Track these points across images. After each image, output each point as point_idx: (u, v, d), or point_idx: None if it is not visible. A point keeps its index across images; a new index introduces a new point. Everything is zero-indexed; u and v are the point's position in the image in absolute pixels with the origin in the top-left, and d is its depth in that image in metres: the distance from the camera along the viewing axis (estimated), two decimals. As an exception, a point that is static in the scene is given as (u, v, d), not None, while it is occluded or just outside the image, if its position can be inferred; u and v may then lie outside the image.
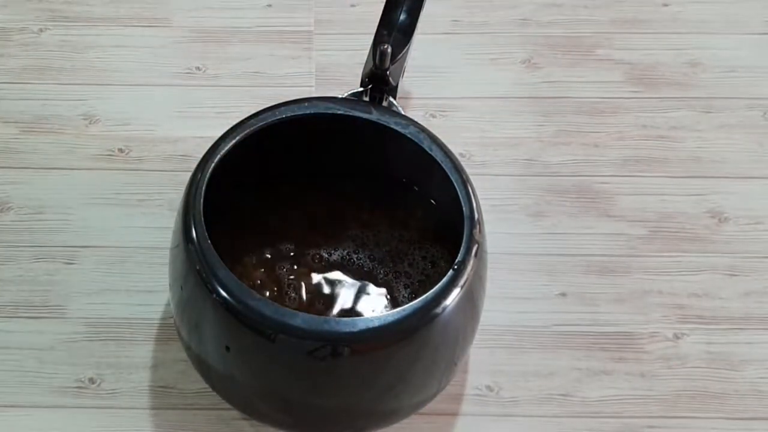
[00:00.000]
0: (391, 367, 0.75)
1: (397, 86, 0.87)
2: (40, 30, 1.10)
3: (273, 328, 0.72)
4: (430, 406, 0.83)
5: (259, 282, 0.82)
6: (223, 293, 0.73)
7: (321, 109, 0.82)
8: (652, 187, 1.00)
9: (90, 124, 1.03)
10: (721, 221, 0.98)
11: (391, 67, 0.85)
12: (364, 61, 0.87)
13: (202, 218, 0.75)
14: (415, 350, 0.75)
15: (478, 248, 0.76)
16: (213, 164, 0.78)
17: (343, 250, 0.84)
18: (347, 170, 0.86)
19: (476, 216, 0.77)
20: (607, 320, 0.92)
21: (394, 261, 0.84)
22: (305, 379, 0.75)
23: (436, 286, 0.74)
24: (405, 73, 0.90)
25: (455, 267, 0.75)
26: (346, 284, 0.82)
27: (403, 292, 0.82)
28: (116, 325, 0.90)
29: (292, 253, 0.84)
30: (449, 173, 0.79)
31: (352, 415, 0.79)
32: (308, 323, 0.72)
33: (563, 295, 0.93)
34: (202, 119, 1.03)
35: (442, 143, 0.81)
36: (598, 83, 1.07)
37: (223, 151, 0.79)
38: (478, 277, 0.77)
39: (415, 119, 0.83)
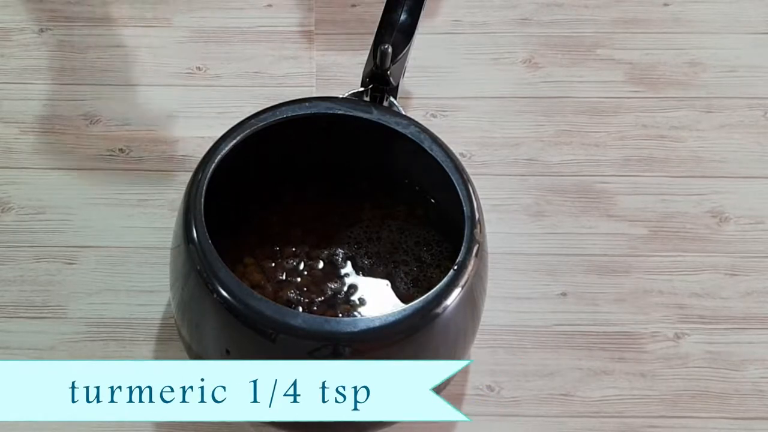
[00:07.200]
0: (392, 367, 0.75)
1: (397, 86, 0.87)
2: (41, 30, 1.10)
3: (273, 328, 0.72)
4: (431, 406, 0.83)
5: (259, 282, 0.81)
6: (224, 293, 0.73)
7: (321, 109, 0.82)
8: (652, 187, 1.00)
9: (90, 124, 1.03)
10: (721, 221, 0.98)
11: (392, 67, 0.85)
12: (365, 61, 0.87)
13: (203, 218, 0.75)
14: (416, 350, 0.75)
15: (478, 248, 0.76)
16: (213, 164, 0.78)
17: (344, 250, 0.84)
18: (347, 170, 0.86)
19: (477, 216, 0.77)
20: (608, 320, 0.92)
21: (394, 261, 0.84)
22: (306, 379, 0.75)
23: (437, 286, 0.74)
24: (405, 73, 0.90)
25: (456, 267, 0.75)
26: (347, 284, 0.82)
27: (404, 292, 0.82)
28: (117, 325, 0.90)
29: (292, 253, 0.83)
30: (450, 173, 0.79)
31: (353, 415, 0.79)
32: (309, 323, 0.72)
33: (564, 294, 0.93)
34: (203, 119, 1.03)
35: (443, 143, 0.81)
36: (599, 83, 1.07)
37: (223, 151, 0.79)
38: (479, 277, 0.77)
39: (416, 119, 0.83)
